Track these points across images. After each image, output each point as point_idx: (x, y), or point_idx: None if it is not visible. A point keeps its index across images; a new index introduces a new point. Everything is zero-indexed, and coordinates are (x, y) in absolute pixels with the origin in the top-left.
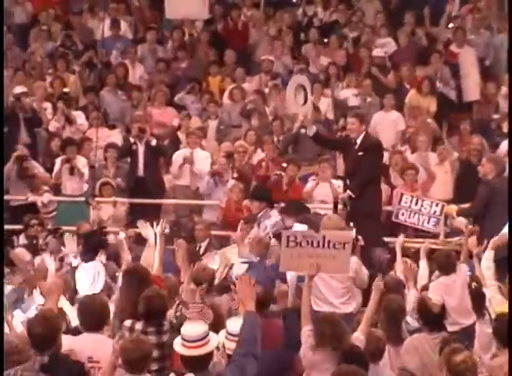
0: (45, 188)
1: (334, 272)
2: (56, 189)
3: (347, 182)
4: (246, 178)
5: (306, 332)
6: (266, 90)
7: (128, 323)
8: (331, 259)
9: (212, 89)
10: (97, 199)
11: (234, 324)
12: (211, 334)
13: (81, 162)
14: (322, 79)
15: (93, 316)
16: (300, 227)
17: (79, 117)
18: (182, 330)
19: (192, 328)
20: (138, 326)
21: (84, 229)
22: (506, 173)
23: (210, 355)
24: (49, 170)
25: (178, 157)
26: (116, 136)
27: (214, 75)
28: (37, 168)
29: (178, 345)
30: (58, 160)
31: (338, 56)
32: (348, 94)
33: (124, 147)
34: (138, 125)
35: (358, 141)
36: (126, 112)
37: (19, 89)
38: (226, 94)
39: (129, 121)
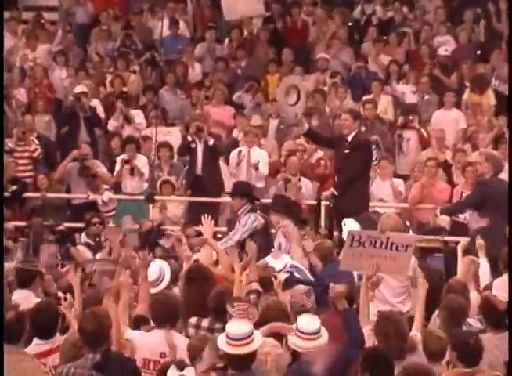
0: (105, 187)
1: (393, 273)
2: (117, 188)
3: (336, 179)
4: (307, 177)
5: (367, 332)
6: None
7: (193, 320)
8: (391, 260)
9: (270, 88)
10: (157, 197)
11: (305, 322)
12: (255, 333)
13: (142, 161)
14: (381, 77)
15: (166, 313)
16: (352, 224)
17: (137, 116)
18: (227, 328)
19: (237, 326)
20: (205, 323)
21: (146, 227)
22: (503, 174)
23: (254, 354)
24: (109, 169)
25: (234, 155)
26: (175, 135)
27: (273, 74)
28: (100, 167)
29: (222, 342)
30: (118, 160)
31: (398, 54)
32: (406, 90)
33: (183, 146)
34: (196, 124)
35: (349, 138)
36: (185, 110)
37: (78, 89)
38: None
39: (188, 119)
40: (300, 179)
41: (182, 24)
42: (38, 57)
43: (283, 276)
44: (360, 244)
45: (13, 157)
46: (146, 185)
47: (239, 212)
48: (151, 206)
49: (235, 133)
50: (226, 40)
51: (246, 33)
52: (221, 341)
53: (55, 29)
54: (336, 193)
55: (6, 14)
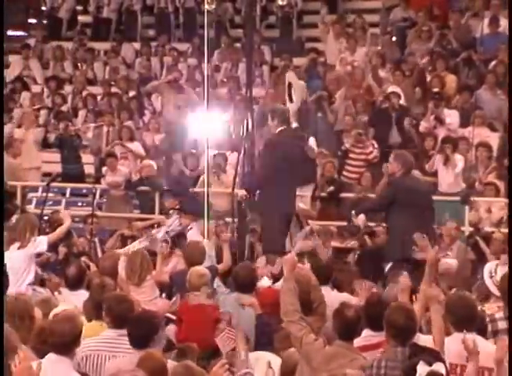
0: None
1: None
2: None
3: None
4: None
5: None
6: None
7: None
8: None
9: None
10: (473, 198)
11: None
12: None
13: (457, 160)
14: None
15: (464, 316)
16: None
17: (450, 116)
18: None
19: None
20: None
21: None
22: (414, 171)
23: None
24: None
25: None
26: (493, 138)
27: None
28: None
29: None
30: (436, 159)
31: None
32: None
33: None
34: None
35: None
36: (503, 111)
37: (390, 89)
38: None
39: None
40: None
41: (503, 21)
42: (357, 60)
43: None
44: None
45: (349, 158)
46: (463, 184)
47: (171, 212)
48: (467, 207)
49: None
50: None
51: None
52: None
53: (374, 31)
54: (246, 195)
55: (330, 18)
